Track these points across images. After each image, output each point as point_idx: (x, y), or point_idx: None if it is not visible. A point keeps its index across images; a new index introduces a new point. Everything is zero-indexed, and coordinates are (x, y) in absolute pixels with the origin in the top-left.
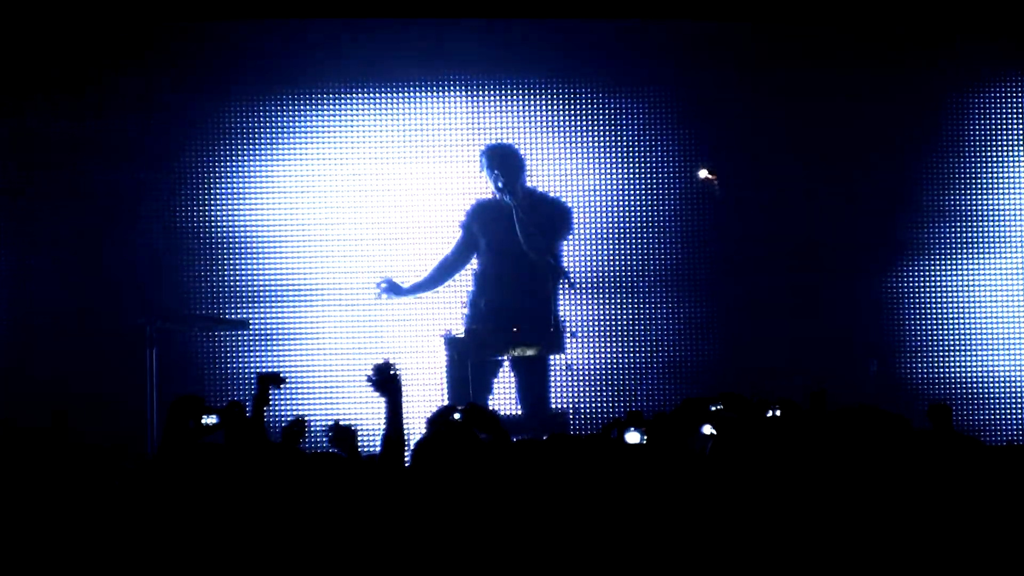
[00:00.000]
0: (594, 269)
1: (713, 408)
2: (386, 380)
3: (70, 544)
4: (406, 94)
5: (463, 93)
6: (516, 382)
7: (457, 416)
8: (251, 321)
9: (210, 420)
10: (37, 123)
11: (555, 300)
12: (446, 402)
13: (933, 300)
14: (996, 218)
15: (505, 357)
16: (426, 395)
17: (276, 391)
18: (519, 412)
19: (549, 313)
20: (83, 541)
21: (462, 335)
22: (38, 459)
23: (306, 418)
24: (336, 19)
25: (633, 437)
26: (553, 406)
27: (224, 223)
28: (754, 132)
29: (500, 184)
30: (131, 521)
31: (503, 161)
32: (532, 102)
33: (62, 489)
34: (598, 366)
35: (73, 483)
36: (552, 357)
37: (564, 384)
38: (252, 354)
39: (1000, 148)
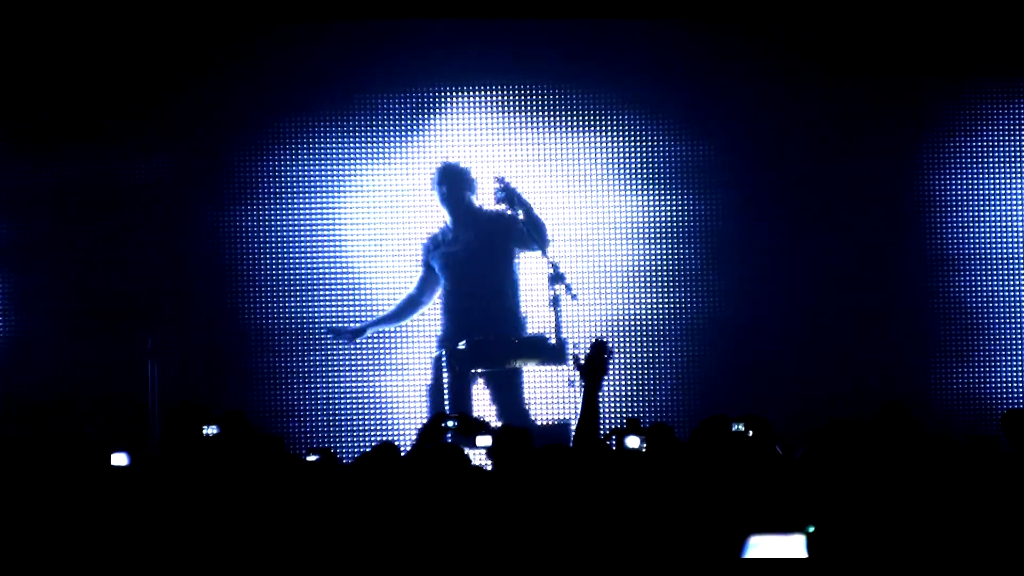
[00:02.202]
0: (595, 279)
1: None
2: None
3: (71, 548)
4: (415, 105)
5: (459, 102)
6: (490, 396)
7: (451, 423)
8: (255, 331)
9: (210, 431)
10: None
11: (557, 311)
12: (447, 412)
13: (943, 310)
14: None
15: (505, 368)
16: (426, 406)
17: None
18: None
19: (522, 324)
20: (83, 545)
21: (462, 347)
22: (38, 464)
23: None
24: (363, 26)
25: (633, 442)
26: (552, 418)
27: (226, 234)
28: (765, 133)
29: (502, 192)
30: (133, 525)
31: (465, 173)
32: (536, 107)
33: (61, 494)
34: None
35: (72, 487)
36: (552, 369)
37: (565, 396)
38: (253, 366)
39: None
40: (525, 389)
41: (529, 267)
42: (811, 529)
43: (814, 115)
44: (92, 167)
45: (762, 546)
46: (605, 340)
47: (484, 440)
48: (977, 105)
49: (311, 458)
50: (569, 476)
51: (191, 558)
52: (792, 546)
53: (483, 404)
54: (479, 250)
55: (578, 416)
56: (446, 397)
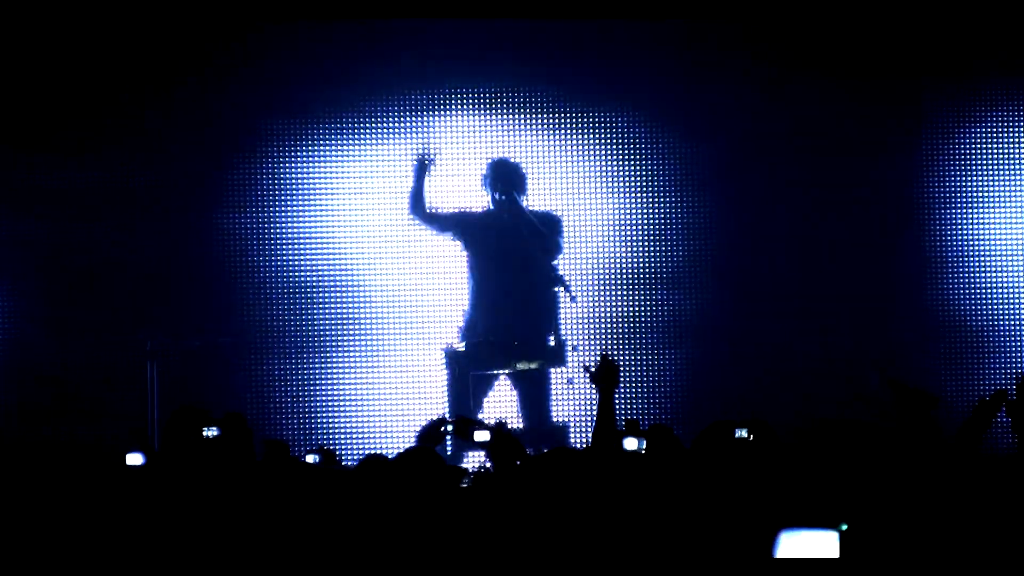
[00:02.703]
0: (593, 280)
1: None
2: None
3: (69, 550)
4: (406, 107)
5: (459, 104)
6: (518, 397)
7: (449, 428)
8: (251, 335)
9: (211, 432)
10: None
11: (556, 313)
12: (447, 416)
13: (943, 310)
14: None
15: (505, 372)
16: (426, 409)
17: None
18: (519, 426)
19: (547, 327)
20: (81, 547)
21: (463, 349)
22: (36, 467)
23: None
24: (350, 27)
25: (631, 444)
26: (554, 420)
27: (225, 235)
28: (766, 134)
29: (502, 197)
30: (130, 527)
31: (509, 174)
32: (529, 110)
33: (59, 496)
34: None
35: (71, 490)
36: (552, 370)
37: (565, 397)
38: (252, 368)
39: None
40: (551, 390)
41: None
42: (844, 527)
43: (814, 115)
44: (92, 169)
45: (793, 545)
46: (610, 355)
47: (482, 435)
48: (976, 105)
49: (310, 459)
50: (572, 480)
51: (189, 561)
52: (824, 544)
53: (486, 405)
54: (521, 248)
55: (594, 423)
56: (447, 400)
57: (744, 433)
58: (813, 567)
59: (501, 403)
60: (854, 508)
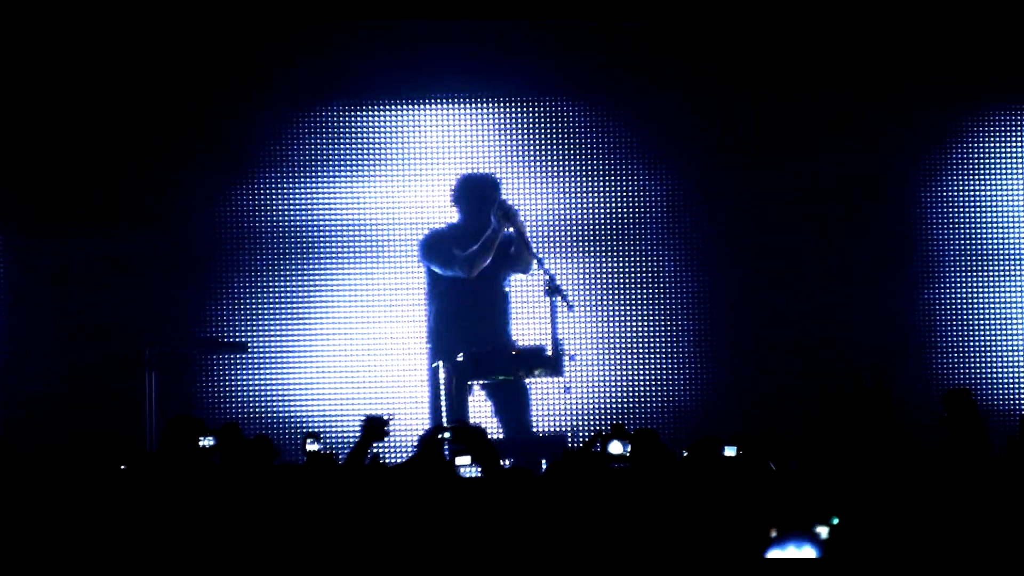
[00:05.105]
0: (587, 288)
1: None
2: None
3: (64, 555)
4: (399, 110)
5: (447, 108)
6: (493, 407)
7: (447, 435)
8: (250, 344)
9: (207, 442)
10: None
11: (554, 322)
12: (444, 423)
13: (934, 314)
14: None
15: (500, 379)
16: (423, 413)
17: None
18: (500, 436)
19: (509, 337)
20: (80, 553)
21: (461, 359)
22: (36, 475)
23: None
24: (345, 32)
25: (616, 448)
26: (551, 428)
27: (223, 242)
28: (768, 141)
29: (504, 212)
30: (128, 535)
31: (498, 189)
32: (523, 118)
33: (58, 503)
34: (594, 386)
35: (71, 494)
36: (550, 380)
37: (561, 405)
38: (251, 376)
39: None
40: (531, 400)
41: (526, 278)
42: (835, 521)
43: (814, 120)
44: (92, 179)
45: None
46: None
47: (463, 460)
48: (965, 107)
49: (312, 447)
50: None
51: (185, 566)
52: (817, 539)
53: (483, 416)
54: (494, 263)
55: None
56: (443, 409)
57: (732, 452)
58: (802, 567)
59: (479, 414)
60: (850, 511)
